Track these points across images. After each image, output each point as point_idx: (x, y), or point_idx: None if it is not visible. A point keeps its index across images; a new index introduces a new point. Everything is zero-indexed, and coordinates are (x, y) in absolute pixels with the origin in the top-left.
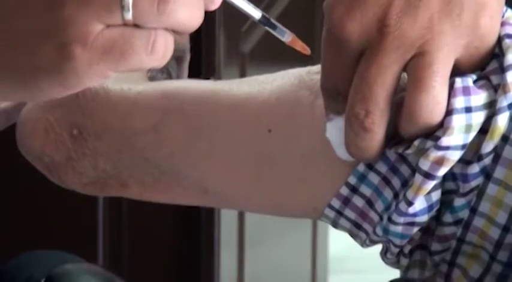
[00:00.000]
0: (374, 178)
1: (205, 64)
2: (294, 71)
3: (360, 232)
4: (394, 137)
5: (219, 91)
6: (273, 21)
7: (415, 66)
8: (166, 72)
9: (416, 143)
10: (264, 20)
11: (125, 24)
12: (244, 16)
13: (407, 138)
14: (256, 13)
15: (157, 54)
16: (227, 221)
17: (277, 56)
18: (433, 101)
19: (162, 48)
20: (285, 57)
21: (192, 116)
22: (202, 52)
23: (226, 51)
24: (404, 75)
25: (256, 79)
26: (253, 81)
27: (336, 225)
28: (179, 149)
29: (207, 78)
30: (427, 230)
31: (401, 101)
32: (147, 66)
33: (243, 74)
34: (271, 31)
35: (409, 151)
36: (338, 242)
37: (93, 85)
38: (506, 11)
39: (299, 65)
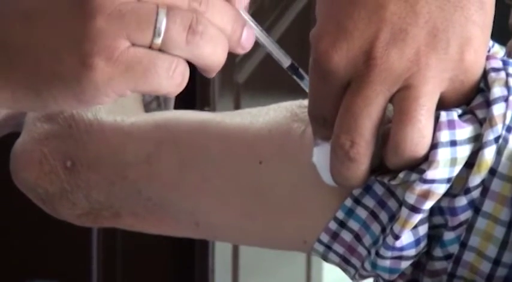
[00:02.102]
0: (362, 213)
1: (199, 95)
2: (286, 104)
3: (348, 267)
4: (380, 167)
5: (211, 122)
6: (302, 71)
7: (401, 99)
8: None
9: (401, 175)
10: (293, 69)
11: (151, 46)
12: None
13: (393, 169)
14: (285, 60)
15: (175, 81)
16: (221, 252)
17: (271, 87)
18: (418, 135)
19: (181, 76)
20: (279, 88)
21: (184, 147)
22: (196, 83)
23: (221, 81)
24: (391, 106)
25: (249, 112)
26: (245, 114)
27: (325, 259)
28: (171, 181)
29: (202, 108)
30: (418, 264)
31: (387, 133)
32: (165, 91)
33: (237, 105)
34: (298, 81)
35: (394, 182)
36: (332, 274)
37: (106, 102)
38: (493, 46)
39: (292, 96)
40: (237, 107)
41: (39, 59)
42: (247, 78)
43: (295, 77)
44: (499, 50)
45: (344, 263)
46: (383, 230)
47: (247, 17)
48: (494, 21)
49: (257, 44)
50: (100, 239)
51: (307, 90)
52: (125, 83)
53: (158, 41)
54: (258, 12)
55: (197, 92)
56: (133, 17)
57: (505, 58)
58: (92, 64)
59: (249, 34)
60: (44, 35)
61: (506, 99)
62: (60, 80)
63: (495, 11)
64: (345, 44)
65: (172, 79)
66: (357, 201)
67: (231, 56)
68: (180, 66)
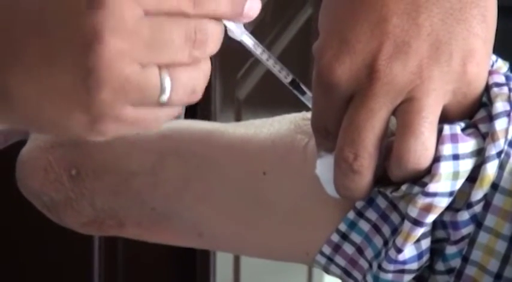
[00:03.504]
0: (364, 226)
1: (200, 111)
2: (290, 116)
3: (349, 279)
4: (383, 178)
5: (215, 132)
6: (303, 86)
7: (404, 112)
8: None
9: (403, 187)
10: (294, 84)
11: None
12: (239, 63)
13: (396, 181)
14: (287, 76)
15: (170, 121)
16: (223, 262)
17: (272, 103)
18: (421, 147)
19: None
20: (280, 104)
21: (189, 157)
22: None
23: (222, 97)
24: (394, 120)
25: (253, 123)
26: (249, 125)
27: (327, 271)
28: (175, 192)
29: None
30: (420, 278)
31: (390, 145)
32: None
33: (238, 121)
34: (300, 96)
35: (396, 194)
36: None
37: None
38: (496, 60)
39: (293, 112)
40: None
41: (43, 111)
42: (248, 94)
43: (296, 92)
44: (502, 65)
45: (345, 276)
46: (385, 243)
47: (246, 33)
48: (496, 36)
49: (257, 60)
50: (101, 248)
51: (309, 105)
52: (131, 132)
53: (163, 100)
54: (259, 27)
55: (198, 108)
56: (138, 88)
57: (508, 73)
58: (100, 127)
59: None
60: (49, 94)
61: (508, 114)
62: (66, 129)
63: (497, 24)
64: (347, 58)
65: (168, 119)
66: (360, 214)
67: (232, 72)
68: (177, 111)
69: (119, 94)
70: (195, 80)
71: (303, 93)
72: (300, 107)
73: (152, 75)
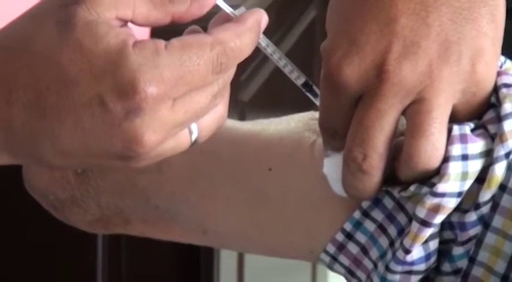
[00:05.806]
0: (370, 225)
1: None
2: (298, 115)
3: (353, 279)
4: (390, 178)
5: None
6: (316, 89)
7: (414, 112)
8: None
9: (412, 188)
10: (307, 86)
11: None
12: (242, 65)
13: (405, 181)
14: (300, 78)
15: None
16: (227, 260)
17: (277, 105)
18: (431, 148)
19: None
20: (285, 106)
21: (194, 153)
22: None
23: None
24: (403, 120)
25: (261, 121)
26: (257, 122)
27: (331, 269)
28: (180, 189)
29: None
30: (426, 279)
31: (400, 145)
32: None
33: None
34: (312, 99)
35: (404, 194)
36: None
37: None
38: (505, 62)
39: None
40: None
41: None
42: (252, 96)
43: (309, 95)
44: (510, 66)
45: (349, 275)
46: (391, 243)
47: (261, 36)
48: (505, 38)
49: (261, 62)
50: (105, 245)
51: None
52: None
53: (192, 144)
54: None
55: None
56: (172, 151)
57: None
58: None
59: None
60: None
61: None
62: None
63: (506, 24)
64: (356, 58)
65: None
66: (366, 213)
67: (236, 74)
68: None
69: (155, 160)
70: (216, 120)
71: (316, 95)
72: (305, 109)
73: (185, 134)
